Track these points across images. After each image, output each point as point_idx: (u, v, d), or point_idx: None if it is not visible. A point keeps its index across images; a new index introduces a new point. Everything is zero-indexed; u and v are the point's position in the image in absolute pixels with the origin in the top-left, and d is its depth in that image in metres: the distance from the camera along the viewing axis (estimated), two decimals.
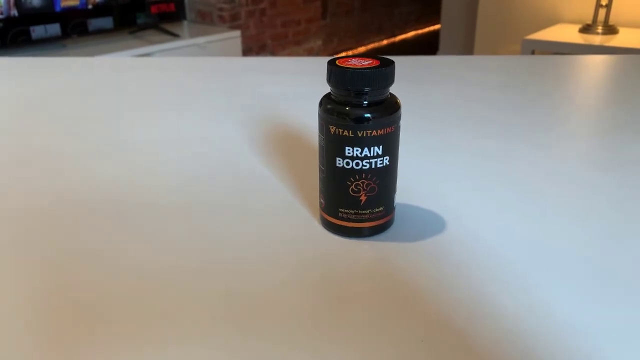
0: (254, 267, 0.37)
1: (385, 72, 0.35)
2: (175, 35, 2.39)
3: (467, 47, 2.87)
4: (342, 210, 0.39)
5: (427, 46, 4.01)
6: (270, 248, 0.39)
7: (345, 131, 0.36)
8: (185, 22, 2.72)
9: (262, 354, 0.29)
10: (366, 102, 0.36)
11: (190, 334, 0.31)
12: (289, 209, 0.44)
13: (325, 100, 0.37)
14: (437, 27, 3.85)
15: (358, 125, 0.36)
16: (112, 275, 0.36)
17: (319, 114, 0.38)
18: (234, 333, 0.31)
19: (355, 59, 0.37)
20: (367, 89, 0.35)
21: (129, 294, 0.34)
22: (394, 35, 4.19)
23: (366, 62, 0.36)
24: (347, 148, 0.37)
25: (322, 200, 0.40)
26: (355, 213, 0.39)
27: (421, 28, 4.42)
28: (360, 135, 0.36)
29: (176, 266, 0.37)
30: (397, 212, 0.42)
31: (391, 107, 0.37)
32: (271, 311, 0.32)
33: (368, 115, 0.36)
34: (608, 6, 2.16)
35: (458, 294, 0.34)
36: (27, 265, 0.37)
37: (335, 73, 0.35)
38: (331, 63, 0.36)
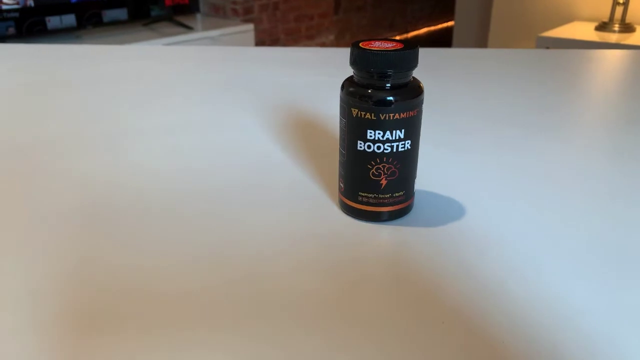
0: (273, 251, 0.37)
1: (409, 54, 0.35)
2: (188, 28, 2.40)
3: (480, 44, 2.85)
4: (362, 194, 0.39)
5: (440, 43, 3.99)
6: (289, 232, 0.39)
7: (368, 114, 0.36)
8: (198, 15, 2.72)
9: (279, 337, 0.29)
10: (389, 85, 0.36)
11: (206, 317, 0.31)
12: (307, 193, 0.44)
13: (348, 83, 0.37)
14: (450, 23, 3.83)
15: (380, 108, 0.36)
16: (131, 260, 0.36)
17: (340, 97, 0.38)
18: (250, 317, 0.31)
19: (379, 41, 0.36)
20: (390, 71, 0.35)
21: (150, 279, 0.34)
22: (407, 32, 4.17)
23: (390, 45, 0.36)
24: (368, 131, 0.36)
25: (341, 184, 0.40)
26: (375, 197, 0.39)
27: (434, 24, 4.40)
28: (382, 118, 0.36)
29: (193, 250, 0.37)
30: (415, 198, 0.42)
31: (414, 91, 0.37)
32: (289, 295, 0.33)
33: (391, 98, 0.36)
34: (625, 4, 2.14)
35: (475, 281, 0.34)
36: (43, 260, 0.38)
37: (358, 55, 0.35)
38: (355, 45, 0.36)
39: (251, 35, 2.59)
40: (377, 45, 0.36)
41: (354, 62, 0.36)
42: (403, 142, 0.37)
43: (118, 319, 0.30)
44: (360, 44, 0.36)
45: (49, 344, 0.29)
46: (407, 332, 0.30)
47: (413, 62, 0.35)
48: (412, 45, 0.36)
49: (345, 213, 0.41)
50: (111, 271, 0.34)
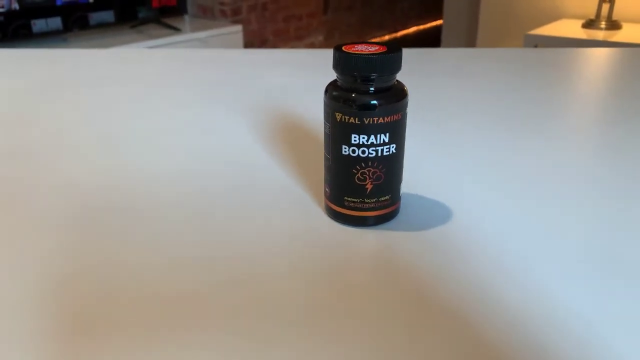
0: (259, 257, 0.36)
1: (392, 57, 0.35)
2: (176, 30, 2.39)
3: (469, 43, 2.86)
4: (348, 198, 0.38)
5: (429, 42, 4.00)
6: (275, 238, 0.38)
7: (351, 118, 0.36)
8: (186, 17, 2.71)
9: (266, 343, 0.29)
10: (372, 89, 0.35)
11: (193, 324, 0.30)
12: (293, 198, 0.43)
13: (331, 88, 0.37)
14: (438, 22, 3.84)
15: (364, 112, 0.35)
16: (116, 269, 0.36)
17: (324, 101, 0.37)
18: (237, 323, 0.30)
19: (362, 45, 0.36)
20: (373, 75, 0.35)
21: (132, 288, 0.34)
22: (396, 31, 4.18)
23: (373, 48, 0.35)
24: (353, 135, 0.36)
25: (327, 189, 0.40)
26: (360, 202, 0.38)
27: (423, 23, 4.41)
28: (366, 122, 0.35)
29: (179, 258, 0.36)
30: (402, 201, 0.42)
31: (398, 94, 0.36)
32: (276, 301, 0.32)
33: (374, 102, 0.35)
34: (611, 1, 2.15)
35: (463, 284, 0.33)
36: (36, 262, 0.37)
37: (341, 59, 0.35)
38: (338, 49, 0.35)
39: (240, 37, 2.58)
40: (360, 48, 0.35)
41: (337, 66, 0.35)
42: (388, 146, 0.37)
43: (109, 321, 0.30)
44: (343, 48, 0.36)
45: (42, 347, 0.28)
46: (393, 337, 0.29)
47: (396, 66, 0.35)
48: (396, 49, 0.35)
49: (331, 218, 0.40)
50: (102, 273, 0.34)
